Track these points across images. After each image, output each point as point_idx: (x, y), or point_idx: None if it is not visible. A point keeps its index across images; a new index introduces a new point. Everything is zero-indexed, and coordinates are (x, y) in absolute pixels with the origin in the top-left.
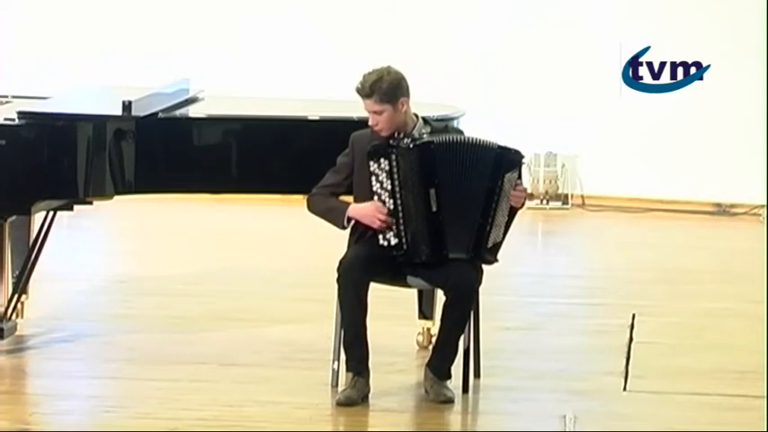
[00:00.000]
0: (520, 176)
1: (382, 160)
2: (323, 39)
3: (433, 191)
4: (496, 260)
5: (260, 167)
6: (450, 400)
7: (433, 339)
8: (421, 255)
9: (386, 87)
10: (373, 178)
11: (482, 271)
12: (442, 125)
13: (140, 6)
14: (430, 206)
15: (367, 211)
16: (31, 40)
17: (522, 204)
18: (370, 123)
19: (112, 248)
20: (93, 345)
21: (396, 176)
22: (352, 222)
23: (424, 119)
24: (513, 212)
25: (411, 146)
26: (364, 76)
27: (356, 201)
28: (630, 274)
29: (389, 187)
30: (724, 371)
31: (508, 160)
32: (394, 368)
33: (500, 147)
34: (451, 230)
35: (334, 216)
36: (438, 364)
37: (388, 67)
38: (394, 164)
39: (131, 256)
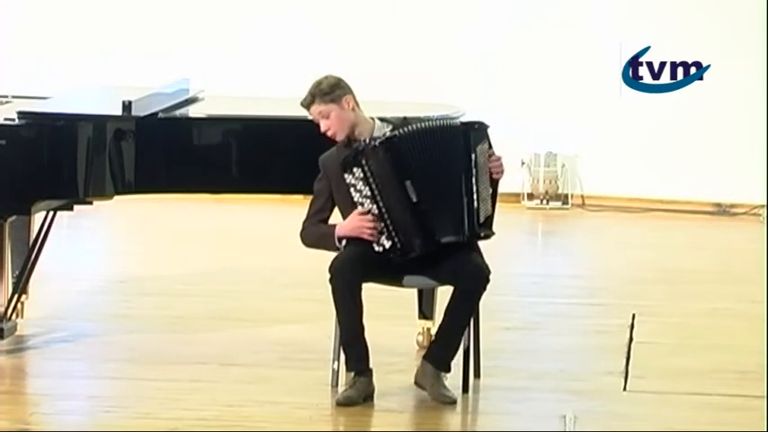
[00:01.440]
0: (490, 146)
1: (355, 169)
2: (323, 39)
3: (408, 183)
4: (493, 233)
5: (260, 167)
6: (453, 402)
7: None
8: (415, 248)
9: (325, 87)
10: (352, 190)
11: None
12: (401, 119)
13: (140, 6)
14: (410, 198)
15: (353, 224)
16: (31, 40)
17: (501, 173)
18: (322, 130)
19: (112, 248)
20: (93, 345)
21: (371, 180)
22: (345, 242)
23: (380, 118)
24: (495, 184)
25: (377, 144)
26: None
27: (344, 218)
28: (630, 274)
29: (369, 193)
30: (724, 371)
31: (475, 133)
32: (394, 368)
33: (462, 123)
34: (438, 216)
35: (327, 242)
36: (440, 355)
37: (326, 74)
38: (366, 168)
39: (131, 256)
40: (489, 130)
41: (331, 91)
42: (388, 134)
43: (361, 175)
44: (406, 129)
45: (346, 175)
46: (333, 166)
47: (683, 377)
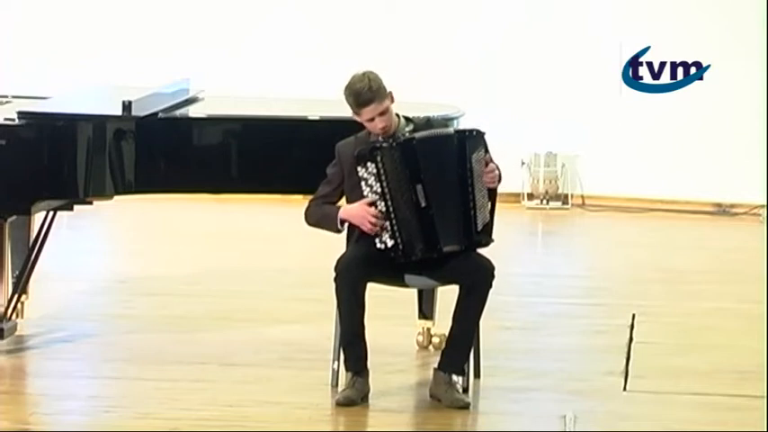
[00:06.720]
0: (487, 151)
1: (369, 164)
2: (323, 39)
3: (419, 186)
4: (492, 240)
5: (260, 167)
6: (467, 406)
7: (433, 339)
8: (417, 252)
9: (379, 85)
10: (363, 183)
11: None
12: (424, 120)
13: (140, 6)
14: (419, 202)
15: (357, 212)
16: (31, 40)
17: (495, 182)
18: (378, 127)
19: (112, 248)
20: (93, 345)
21: (383, 178)
22: (346, 225)
23: (405, 117)
24: (492, 191)
25: (394, 144)
26: (353, 88)
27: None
28: (630, 274)
29: (379, 189)
30: (724, 371)
31: (470, 141)
32: (394, 368)
33: (456, 131)
34: (441, 223)
35: (328, 222)
36: (452, 358)
37: (362, 71)
38: (380, 165)
39: (131, 256)
40: (490, 131)
41: (384, 88)
42: (407, 135)
43: (374, 171)
44: (422, 133)
45: (359, 168)
46: (348, 155)
47: (683, 377)
